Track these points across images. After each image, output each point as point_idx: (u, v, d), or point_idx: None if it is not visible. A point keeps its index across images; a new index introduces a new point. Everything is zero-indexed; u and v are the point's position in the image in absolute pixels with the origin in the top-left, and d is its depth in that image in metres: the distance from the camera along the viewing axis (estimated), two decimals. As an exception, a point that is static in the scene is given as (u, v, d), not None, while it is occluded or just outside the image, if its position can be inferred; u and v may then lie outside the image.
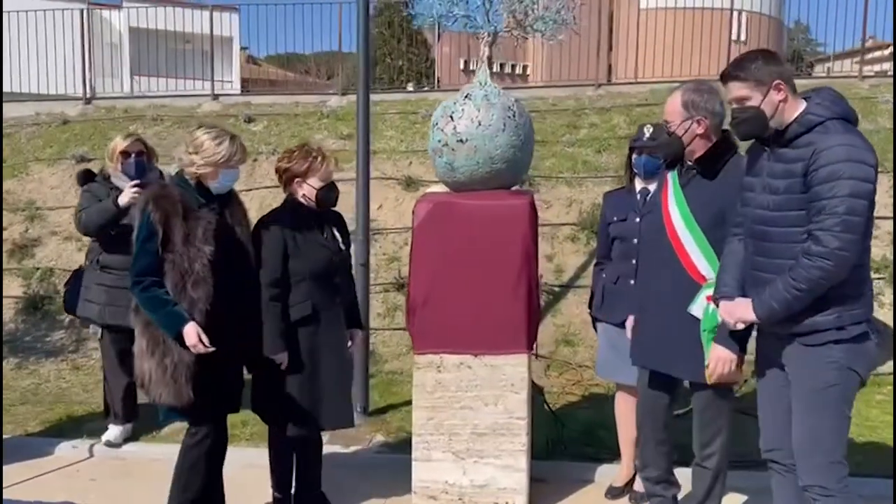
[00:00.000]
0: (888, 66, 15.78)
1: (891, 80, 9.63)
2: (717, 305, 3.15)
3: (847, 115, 2.87)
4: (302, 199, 3.79)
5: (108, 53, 18.87)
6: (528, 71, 28.02)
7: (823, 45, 33.71)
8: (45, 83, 12.48)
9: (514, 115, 3.94)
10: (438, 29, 14.97)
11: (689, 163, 3.45)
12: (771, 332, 3.04)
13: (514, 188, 4.14)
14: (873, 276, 6.87)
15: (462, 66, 23.00)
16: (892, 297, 6.85)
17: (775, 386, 3.08)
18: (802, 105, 2.88)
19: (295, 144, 4.05)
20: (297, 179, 3.77)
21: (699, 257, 3.38)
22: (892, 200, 7.48)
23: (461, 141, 3.89)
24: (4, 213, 7.85)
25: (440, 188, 4.26)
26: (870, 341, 2.89)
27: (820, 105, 2.85)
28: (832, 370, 2.85)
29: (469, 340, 3.91)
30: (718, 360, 3.22)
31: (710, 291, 3.27)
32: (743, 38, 19.41)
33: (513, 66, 29.33)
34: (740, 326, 3.04)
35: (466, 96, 3.99)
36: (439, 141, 3.97)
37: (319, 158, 3.76)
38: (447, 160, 3.96)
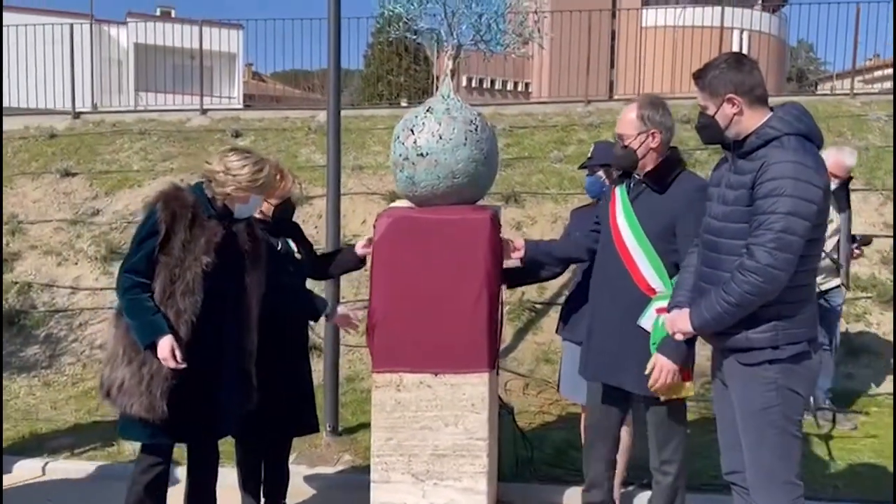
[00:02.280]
0: (889, 84, 15.71)
1: (882, 97, 9.55)
2: None
3: (809, 133, 2.77)
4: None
5: (112, 69, 18.97)
6: (531, 88, 28.12)
7: (832, 63, 33.68)
8: (36, 98, 12.50)
9: (475, 130, 3.86)
10: (438, 45, 14.93)
11: (638, 177, 3.42)
12: (714, 349, 2.97)
13: (478, 203, 4.06)
14: (861, 294, 6.88)
15: (465, 83, 23.01)
16: (880, 317, 6.72)
17: (728, 405, 2.98)
18: (765, 117, 2.80)
19: (278, 160, 4.03)
20: None
21: (649, 270, 3.34)
22: (890, 219, 7.38)
23: (421, 155, 3.80)
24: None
25: (404, 203, 4.19)
26: (809, 360, 2.81)
27: (781, 120, 2.77)
28: (770, 391, 2.77)
29: (429, 359, 3.78)
30: (661, 369, 3.13)
31: (659, 304, 3.23)
32: (744, 55, 19.41)
33: (515, 84, 29.40)
34: (679, 337, 2.98)
35: (428, 110, 3.91)
36: (400, 154, 3.90)
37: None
38: (408, 174, 3.88)
